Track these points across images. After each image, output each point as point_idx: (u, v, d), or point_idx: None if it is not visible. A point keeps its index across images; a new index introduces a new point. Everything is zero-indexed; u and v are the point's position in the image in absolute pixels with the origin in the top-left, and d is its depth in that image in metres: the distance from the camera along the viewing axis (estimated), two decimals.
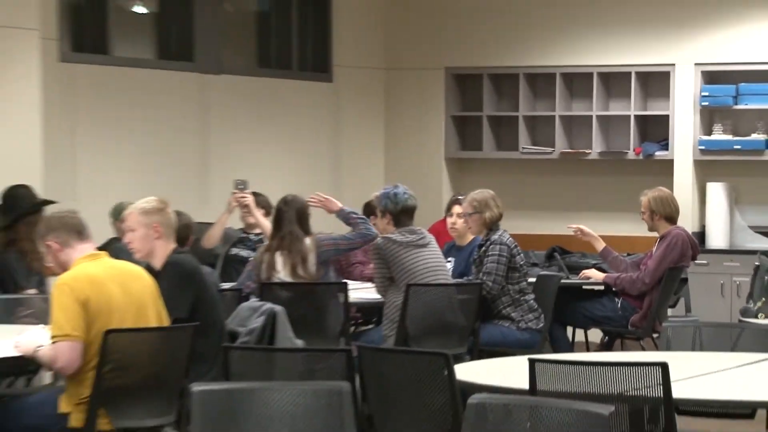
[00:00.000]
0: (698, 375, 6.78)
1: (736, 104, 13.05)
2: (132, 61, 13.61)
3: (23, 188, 10.50)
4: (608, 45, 14.32)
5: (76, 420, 6.92)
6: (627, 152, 13.73)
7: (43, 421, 7.13)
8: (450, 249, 10.72)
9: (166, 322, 7.36)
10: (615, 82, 13.73)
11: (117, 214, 9.59)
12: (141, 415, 7.10)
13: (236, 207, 12.09)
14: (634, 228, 12.45)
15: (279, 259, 9.82)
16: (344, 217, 10.15)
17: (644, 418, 6.32)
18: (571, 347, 10.97)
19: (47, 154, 12.49)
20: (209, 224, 12.21)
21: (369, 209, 11.25)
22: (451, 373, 6.31)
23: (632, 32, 14.21)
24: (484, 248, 10.01)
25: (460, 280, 10.08)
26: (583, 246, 11.58)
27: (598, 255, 11.19)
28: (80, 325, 6.89)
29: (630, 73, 13.58)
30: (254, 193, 11.63)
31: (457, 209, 10.65)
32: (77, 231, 7.43)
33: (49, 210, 9.98)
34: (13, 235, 10.30)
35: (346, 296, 9.66)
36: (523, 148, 14.34)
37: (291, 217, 9.92)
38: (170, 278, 7.74)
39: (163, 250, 7.93)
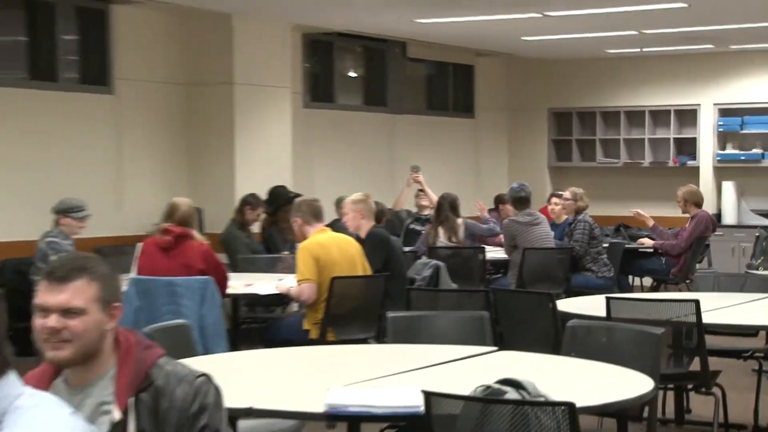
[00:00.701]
0: (718, 308, 7.35)
1: (741, 130, 15.56)
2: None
3: (281, 187, 12.15)
4: (655, 91, 16.45)
5: (313, 334, 8.13)
6: (668, 162, 16.07)
7: (293, 335, 8.25)
8: (549, 225, 11.68)
9: (368, 272, 8.39)
10: (660, 115, 16.15)
11: (338, 203, 10.87)
12: (354, 331, 8.05)
13: (412, 183, 13.22)
14: (672, 212, 13.50)
15: (440, 231, 11.20)
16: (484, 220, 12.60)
17: (682, 336, 7.10)
18: (631, 289, 12.12)
19: (295, 168, 13.88)
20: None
21: (499, 199, 13.76)
22: (554, 306, 7.05)
23: (670, 82, 16.28)
24: (573, 225, 11.28)
25: (559, 245, 11.47)
26: (639, 223, 13.09)
27: (649, 229, 12.57)
28: (315, 273, 7.99)
29: (670, 110, 15.90)
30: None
31: (554, 200, 12.18)
32: (315, 214, 8.41)
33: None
34: (275, 218, 11.72)
35: (484, 255, 11.00)
36: (599, 159, 16.59)
37: (446, 205, 11.45)
38: (370, 244, 8.69)
39: (366, 226, 8.85)
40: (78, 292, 3.35)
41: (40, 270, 7.81)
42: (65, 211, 9.67)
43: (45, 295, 3.34)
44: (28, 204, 11.30)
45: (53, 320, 3.29)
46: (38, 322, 3.34)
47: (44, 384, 3.38)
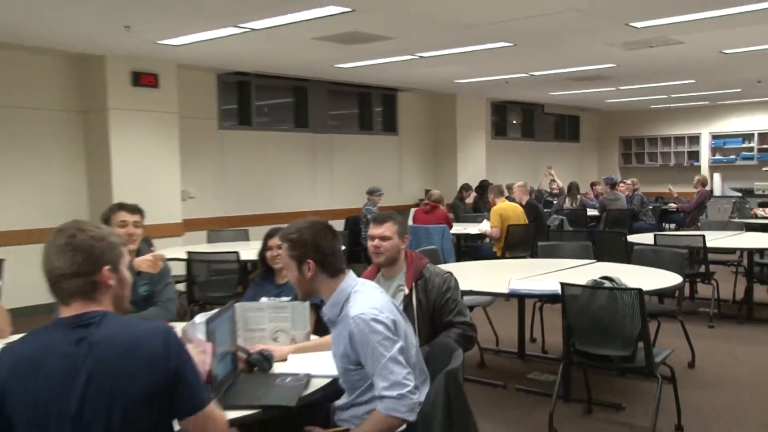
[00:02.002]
0: (714, 239, 7.90)
1: (724, 146, 17.55)
2: None
3: (485, 181, 12.51)
4: (677, 126, 17.99)
5: (498, 253, 8.71)
6: (683, 163, 18.06)
7: (488, 254, 8.91)
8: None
9: (526, 221, 9.03)
10: (679, 139, 18.07)
11: (509, 188, 10.29)
12: (520, 252, 8.63)
13: (548, 174, 13.56)
14: (686, 189, 14.44)
15: (567, 200, 12.34)
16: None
17: (695, 254, 7.45)
18: (663, 230, 12.54)
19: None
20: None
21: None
22: (625, 239, 7.96)
23: (685, 121, 17.81)
24: (632, 197, 12.38)
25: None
26: (669, 195, 14.33)
27: (674, 198, 13.88)
28: (499, 222, 8.77)
29: (684, 136, 18.00)
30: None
31: (622, 184, 12.87)
32: (500, 192, 9.34)
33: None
34: (481, 195, 11.98)
35: (586, 213, 11.69)
36: (646, 162, 18.62)
37: (572, 187, 12.53)
38: (527, 207, 9.49)
39: (525, 198, 9.72)
40: (387, 228, 3.80)
41: (365, 221, 9.61)
42: (372, 192, 10.69)
43: (373, 230, 3.85)
44: (360, 190, 12.05)
45: (376, 243, 3.81)
46: (369, 243, 3.85)
47: (372, 276, 3.86)
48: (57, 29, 7.45)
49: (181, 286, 7.22)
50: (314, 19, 6.74)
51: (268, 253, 4.34)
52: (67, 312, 2.11)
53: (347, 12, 6.51)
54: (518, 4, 6.40)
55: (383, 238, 3.82)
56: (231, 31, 7.33)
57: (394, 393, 2.60)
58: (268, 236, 4.39)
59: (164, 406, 2.08)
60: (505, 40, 8.11)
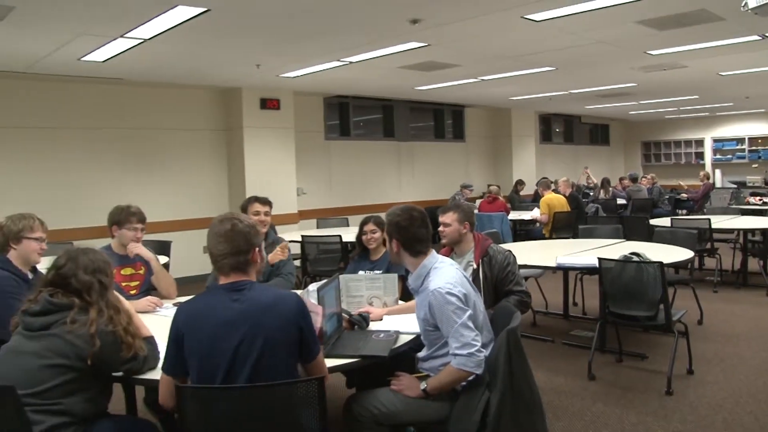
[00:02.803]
0: (717, 222, 7.74)
1: (723, 147, 16.89)
2: None
3: (544, 178, 10.94)
4: (686, 131, 17.25)
5: (546, 235, 8.60)
6: (692, 162, 17.27)
7: (539, 235, 8.75)
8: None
9: (568, 209, 8.88)
10: (689, 142, 17.32)
11: (555, 182, 10.11)
12: (564, 234, 8.41)
13: (585, 172, 13.42)
14: (694, 182, 14.45)
15: (602, 192, 11.95)
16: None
17: (703, 233, 7.29)
18: (677, 215, 11.62)
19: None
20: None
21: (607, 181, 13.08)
22: (648, 222, 7.74)
23: (693, 128, 17.05)
24: (651, 189, 12.17)
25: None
26: (679, 187, 14.54)
27: (684, 190, 14.05)
28: (547, 210, 8.64)
29: (692, 140, 17.31)
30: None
31: (644, 178, 12.68)
32: (548, 186, 9.21)
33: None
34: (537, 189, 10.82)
35: (616, 201, 11.44)
36: (662, 161, 17.77)
37: (605, 182, 11.95)
38: (569, 198, 9.35)
39: (567, 191, 9.48)
40: (449, 217, 3.82)
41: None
42: (465, 186, 10.76)
43: (440, 217, 3.89)
44: (435, 186, 12.10)
45: (441, 228, 3.85)
46: (441, 228, 3.86)
47: (447, 254, 3.84)
48: (209, 71, 7.79)
49: (297, 262, 7.10)
50: (399, 52, 6.79)
51: (364, 237, 4.32)
52: (225, 280, 2.31)
53: (425, 46, 6.56)
54: (558, 38, 6.36)
55: (445, 225, 3.84)
56: (334, 64, 7.42)
57: (465, 352, 2.60)
58: (364, 223, 4.38)
59: (292, 351, 2.26)
60: (549, 65, 8.01)
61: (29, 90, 7.70)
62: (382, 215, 3.73)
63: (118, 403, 3.00)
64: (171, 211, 8.91)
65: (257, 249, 2.36)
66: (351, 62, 7.29)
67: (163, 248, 6.42)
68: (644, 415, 3.82)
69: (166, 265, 5.88)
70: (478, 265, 3.77)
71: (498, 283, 3.80)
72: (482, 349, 2.64)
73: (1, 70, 7.16)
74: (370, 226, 4.29)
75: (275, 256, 4.10)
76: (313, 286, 2.85)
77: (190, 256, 7.92)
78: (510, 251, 3.90)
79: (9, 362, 2.26)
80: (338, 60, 7.21)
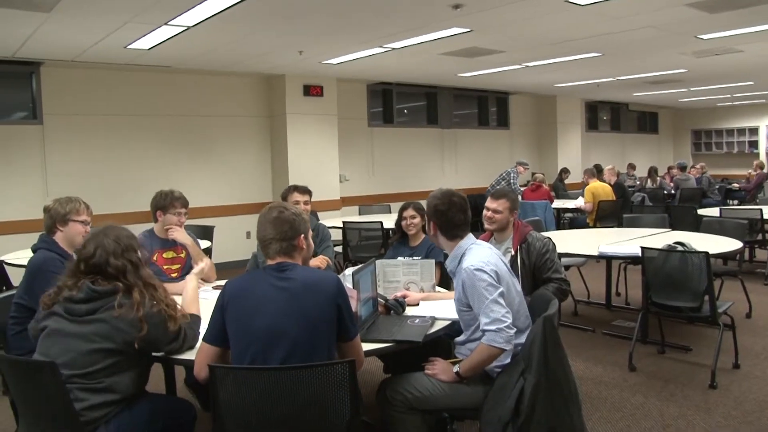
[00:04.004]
0: None
1: None
2: None
3: (597, 165, 11.71)
4: (742, 119, 16.65)
5: (591, 224, 8.46)
6: (745, 150, 16.68)
7: (583, 224, 8.61)
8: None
9: (614, 198, 8.66)
10: (743, 130, 16.73)
11: (599, 171, 10.16)
12: (608, 222, 8.22)
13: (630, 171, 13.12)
14: (745, 171, 13.39)
15: (648, 181, 11.94)
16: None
17: (754, 224, 7.03)
18: (728, 205, 11.52)
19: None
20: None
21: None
22: (696, 212, 7.49)
23: (749, 116, 16.38)
24: (700, 179, 11.81)
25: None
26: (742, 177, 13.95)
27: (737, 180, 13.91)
28: (591, 198, 8.48)
29: (745, 128, 16.69)
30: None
31: (692, 170, 12.24)
32: (593, 174, 9.03)
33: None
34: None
35: (663, 190, 11.36)
36: (714, 150, 17.29)
37: (652, 171, 11.82)
38: (615, 187, 9.03)
39: (613, 179, 9.19)
40: (500, 204, 3.80)
41: (505, 178, 9.72)
42: (521, 163, 10.38)
43: (489, 202, 3.87)
44: (478, 174, 12.05)
45: (489, 214, 3.85)
46: (485, 212, 3.84)
47: (486, 239, 3.83)
48: (252, 58, 7.83)
49: (339, 248, 7.32)
50: (441, 38, 6.75)
51: (403, 222, 4.29)
52: (271, 262, 2.43)
53: (467, 32, 6.51)
54: (605, 22, 6.23)
55: (496, 211, 3.80)
56: (377, 50, 7.42)
57: (494, 327, 2.60)
58: (403, 208, 4.35)
59: (330, 329, 2.33)
60: (595, 51, 7.88)
61: (78, 78, 7.87)
62: (423, 202, 3.74)
63: (158, 384, 3.10)
64: (215, 196, 9.03)
65: (303, 236, 2.47)
66: (393, 48, 7.27)
67: (206, 233, 6.56)
68: (685, 408, 3.74)
69: (208, 250, 6.08)
70: (516, 252, 3.74)
71: (536, 270, 3.77)
72: (512, 326, 2.64)
73: (51, 59, 7.38)
74: (409, 212, 4.27)
75: (315, 262, 4.15)
76: (349, 271, 2.88)
77: (233, 241, 8.13)
78: (549, 239, 3.86)
79: (56, 344, 2.32)
80: (380, 46, 7.21)
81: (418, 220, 4.20)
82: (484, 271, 2.67)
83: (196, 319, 2.68)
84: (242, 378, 2.16)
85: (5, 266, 5.14)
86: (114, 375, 2.31)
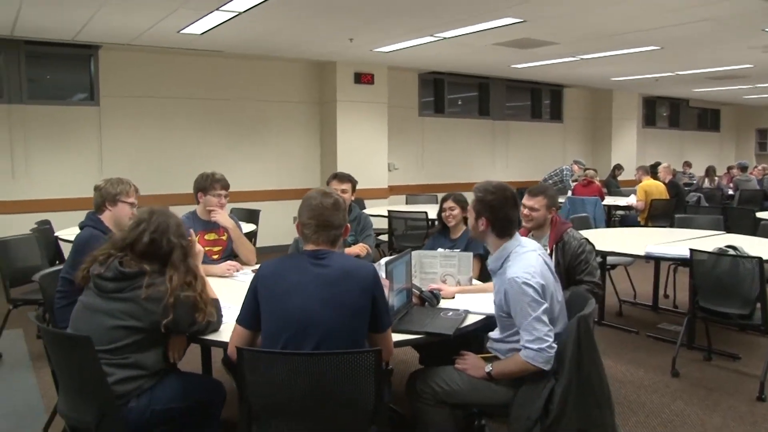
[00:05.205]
0: None
1: None
2: None
3: (658, 161, 10.68)
4: None
5: (642, 222, 8.29)
6: None
7: (634, 223, 8.45)
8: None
9: (667, 197, 8.48)
10: None
11: (653, 168, 9.69)
12: (661, 222, 7.96)
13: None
14: None
15: (706, 181, 11.66)
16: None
17: None
18: None
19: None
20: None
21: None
22: (755, 215, 7.07)
23: None
24: (762, 179, 11.43)
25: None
26: None
27: None
28: (644, 197, 8.29)
29: None
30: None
31: (754, 171, 11.81)
32: (647, 171, 8.71)
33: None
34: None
35: (721, 191, 10.92)
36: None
37: (711, 171, 11.42)
38: (669, 186, 8.81)
39: (667, 178, 9.06)
40: (537, 202, 3.71)
41: (558, 175, 9.87)
42: (576, 162, 10.38)
43: (526, 200, 3.78)
44: (529, 167, 11.87)
45: (526, 211, 3.75)
46: (522, 209, 3.69)
47: (524, 235, 3.39)
48: (303, 44, 7.88)
49: (384, 237, 7.43)
50: (493, 28, 6.68)
51: (443, 214, 4.22)
52: (310, 247, 2.41)
53: (520, 22, 6.43)
54: (663, 15, 6.07)
55: (533, 209, 3.72)
56: (427, 39, 7.39)
57: (536, 347, 2.52)
58: (444, 199, 4.27)
59: (364, 319, 2.30)
60: (653, 45, 7.67)
61: (133, 61, 8.07)
62: (466, 193, 3.76)
63: (196, 362, 3.14)
64: (263, 180, 9.15)
65: (348, 226, 2.48)
66: (444, 38, 7.22)
67: (252, 217, 6.65)
68: (729, 420, 3.61)
69: (253, 233, 6.16)
70: (551, 251, 3.66)
71: (570, 271, 3.66)
72: (554, 345, 2.56)
73: (107, 42, 7.58)
74: (449, 203, 4.20)
75: (354, 249, 4.17)
76: (383, 260, 2.84)
77: (279, 225, 8.18)
78: (586, 239, 3.74)
79: (85, 319, 2.39)
80: (431, 36, 7.17)
81: (457, 211, 4.13)
82: (530, 285, 2.57)
83: (216, 303, 2.65)
84: (268, 362, 2.16)
85: (60, 242, 5.35)
86: (140, 351, 2.36)
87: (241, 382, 2.20)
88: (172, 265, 2.41)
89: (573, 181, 10.18)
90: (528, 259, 2.66)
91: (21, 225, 5.99)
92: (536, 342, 2.52)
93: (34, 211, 7.09)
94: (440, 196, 8.37)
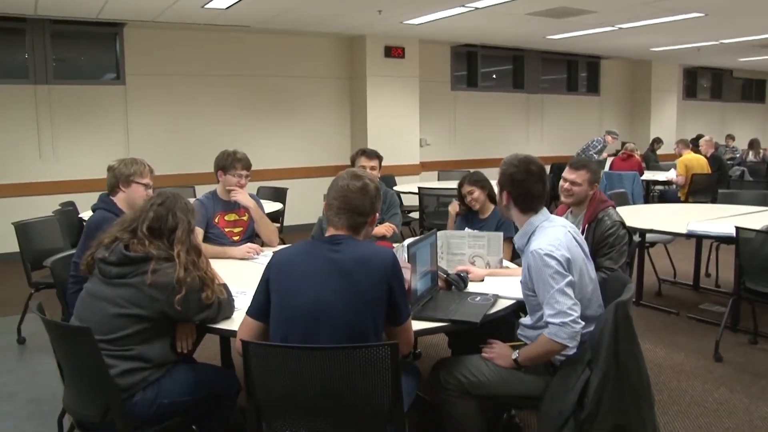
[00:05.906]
0: None
1: None
2: None
3: (700, 135, 10.42)
4: None
5: (683, 198, 8.07)
6: None
7: (674, 198, 8.25)
8: None
9: (708, 171, 8.21)
10: None
11: (694, 141, 9.63)
12: (701, 199, 7.74)
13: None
14: None
15: (750, 153, 11.08)
16: None
17: None
18: None
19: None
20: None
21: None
22: None
23: None
24: None
25: None
26: None
27: None
28: (684, 171, 8.03)
29: None
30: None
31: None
32: (687, 145, 8.49)
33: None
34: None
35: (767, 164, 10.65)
36: None
37: (755, 143, 11.00)
38: (711, 159, 8.49)
39: (710, 151, 8.69)
40: (580, 176, 3.50)
41: (590, 148, 9.67)
42: (609, 132, 10.15)
43: (567, 173, 3.54)
44: (565, 141, 11.63)
45: (567, 186, 3.54)
46: (562, 183, 3.56)
47: (562, 213, 3.61)
48: (331, 18, 7.73)
49: (415, 214, 7.34)
50: None
51: (466, 200, 4.03)
52: (330, 232, 2.27)
53: None
54: None
55: (574, 183, 3.50)
56: (459, 10, 7.17)
57: (558, 321, 2.36)
58: (460, 185, 4.09)
59: (380, 310, 2.13)
60: (697, 11, 7.31)
61: (159, 39, 8.01)
62: (481, 170, 3.64)
63: (215, 354, 3.17)
64: (291, 158, 9.07)
65: (376, 214, 2.33)
66: (476, 8, 6.98)
67: (278, 195, 6.57)
68: None
69: (280, 212, 6.05)
70: (583, 230, 3.43)
71: (596, 252, 3.39)
72: (579, 321, 2.39)
73: (132, 20, 7.51)
74: (467, 188, 4.02)
75: (380, 229, 4.01)
76: (407, 242, 2.67)
77: (307, 203, 8.03)
78: (621, 224, 3.48)
79: (88, 306, 2.30)
80: (463, 5, 6.93)
81: (477, 193, 3.94)
82: (553, 257, 2.42)
83: (226, 288, 2.54)
84: (276, 356, 2.03)
85: (84, 224, 5.30)
86: (144, 343, 2.25)
87: (247, 374, 2.05)
88: (178, 240, 2.32)
89: (611, 156, 9.82)
90: (553, 232, 2.53)
91: (48, 207, 5.94)
92: (558, 316, 2.37)
93: (60, 192, 7.08)
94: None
